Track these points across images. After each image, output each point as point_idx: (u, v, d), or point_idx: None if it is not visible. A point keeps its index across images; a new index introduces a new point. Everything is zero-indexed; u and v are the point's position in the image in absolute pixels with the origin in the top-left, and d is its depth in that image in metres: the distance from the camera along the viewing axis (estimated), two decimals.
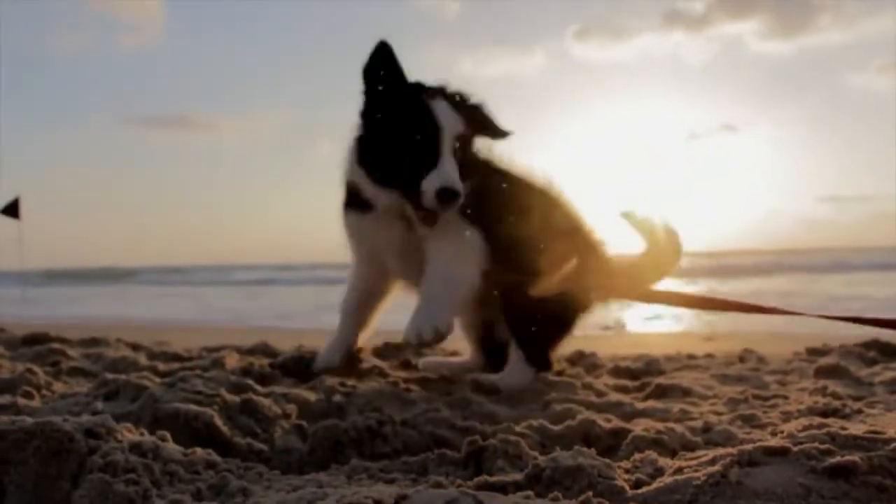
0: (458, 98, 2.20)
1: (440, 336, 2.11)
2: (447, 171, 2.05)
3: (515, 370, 2.37)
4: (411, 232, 2.22)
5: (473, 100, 2.25)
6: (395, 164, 2.13)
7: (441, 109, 2.12)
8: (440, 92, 2.19)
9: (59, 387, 2.33)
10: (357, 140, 2.25)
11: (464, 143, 2.17)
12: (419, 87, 2.18)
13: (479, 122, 2.24)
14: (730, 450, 1.33)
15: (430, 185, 2.04)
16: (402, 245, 2.28)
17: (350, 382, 2.29)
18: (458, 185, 2.05)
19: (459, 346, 3.28)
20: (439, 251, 2.21)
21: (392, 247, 2.32)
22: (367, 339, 2.65)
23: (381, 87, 2.16)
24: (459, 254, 2.23)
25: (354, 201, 2.32)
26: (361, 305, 2.54)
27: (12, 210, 12.05)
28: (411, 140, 2.10)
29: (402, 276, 2.44)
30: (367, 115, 2.23)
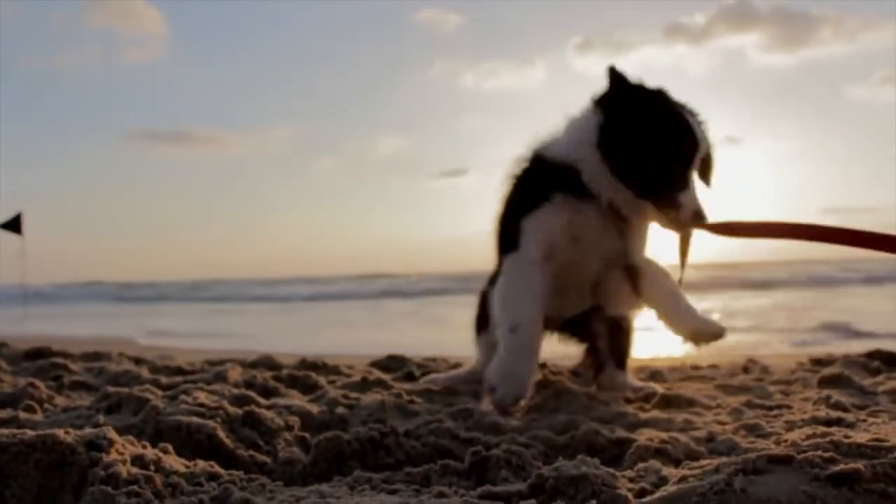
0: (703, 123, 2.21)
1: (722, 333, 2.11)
2: (698, 194, 2.12)
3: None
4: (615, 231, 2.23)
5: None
6: (650, 170, 2.10)
7: (698, 128, 2.15)
8: (690, 110, 2.20)
9: (61, 401, 2.33)
10: (601, 129, 2.15)
11: (703, 166, 2.21)
12: (674, 101, 2.19)
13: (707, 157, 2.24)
14: (734, 458, 1.33)
15: (689, 202, 2.09)
16: (603, 242, 2.25)
17: (353, 394, 2.29)
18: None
19: (458, 358, 3.27)
20: (657, 269, 2.29)
21: (596, 239, 2.24)
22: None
23: (637, 89, 2.15)
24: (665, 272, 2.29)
25: (565, 183, 2.19)
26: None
27: (14, 225, 12.08)
28: (673, 151, 2.10)
29: (578, 273, 2.32)
30: (618, 111, 2.15)
